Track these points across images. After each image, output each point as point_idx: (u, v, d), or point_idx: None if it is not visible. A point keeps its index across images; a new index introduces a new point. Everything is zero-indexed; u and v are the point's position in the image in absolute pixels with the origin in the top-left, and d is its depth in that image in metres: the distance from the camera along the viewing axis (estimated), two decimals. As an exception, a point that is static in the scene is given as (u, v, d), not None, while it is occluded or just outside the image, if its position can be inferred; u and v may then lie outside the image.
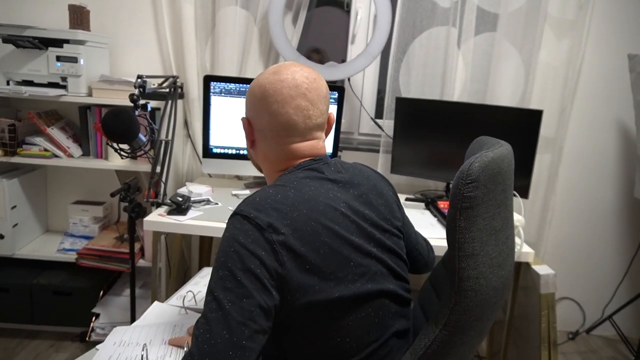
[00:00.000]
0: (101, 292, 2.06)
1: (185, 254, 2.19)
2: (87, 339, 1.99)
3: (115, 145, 1.33)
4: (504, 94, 2.06)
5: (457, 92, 2.08)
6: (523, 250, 1.51)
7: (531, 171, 1.77)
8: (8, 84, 1.86)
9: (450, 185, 2.01)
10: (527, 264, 1.54)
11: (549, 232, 2.26)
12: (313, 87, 0.89)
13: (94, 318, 1.99)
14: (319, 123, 0.91)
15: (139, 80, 1.27)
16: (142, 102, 1.28)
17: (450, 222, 0.70)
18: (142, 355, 0.95)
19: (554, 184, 2.15)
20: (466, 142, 1.84)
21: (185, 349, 0.97)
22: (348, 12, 2.18)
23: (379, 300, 0.83)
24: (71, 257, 2.02)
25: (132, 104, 1.26)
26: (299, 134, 0.89)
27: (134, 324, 1.17)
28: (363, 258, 0.82)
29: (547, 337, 1.54)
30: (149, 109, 1.36)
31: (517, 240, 1.52)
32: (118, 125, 1.22)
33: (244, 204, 0.81)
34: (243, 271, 0.72)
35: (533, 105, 2.06)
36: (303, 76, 0.88)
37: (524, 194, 1.78)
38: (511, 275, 0.80)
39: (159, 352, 1.00)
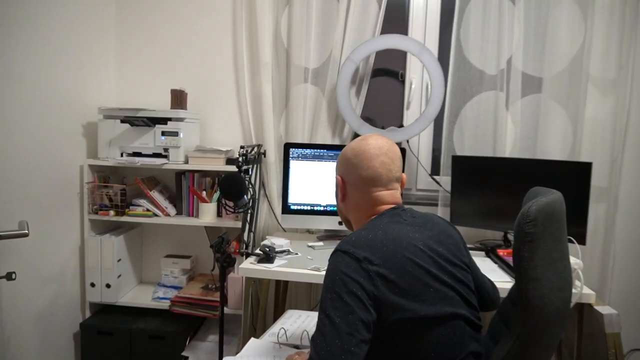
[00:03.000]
0: (188, 338, 2.28)
1: (261, 301, 2.40)
2: (177, 380, 2.19)
3: (227, 203, 1.60)
4: (554, 149, 2.22)
5: (509, 148, 2.26)
6: (584, 292, 1.61)
7: (586, 219, 1.89)
8: (122, 155, 2.24)
9: (508, 234, 2.14)
10: (590, 306, 1.63)
11: (612, 280, 2.30)
12: (391, 150, 1.17)
13: (183, 361, 2.21)
14: (397, 177, 1.17)
15: (242, 149, 1.56)
16: (244, 167, 1.57)
17: (515, 253, 0.88)
18: (258, 374, 1.15)
19: (612, 232, 2.22)
20: (520, 194, 1.97)
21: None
22: (402, 81, 2.47)
23: (456, 322, 1.00)
24: (164, 304, 2.28)
25: (237, 169, 1.55)
26: (383, 184, 1.14)
27: (238, 355, 1.37)
28: (440, 285, 1.01)
29: (617, 379, 1.58)
30: (250, 173, 1.64)
31: (577, 283, 1.62)
32: (233, 185, 1.51)
33: (343, 243, 1.03)
34: (347, 293, 0.94)
35: (583, 158, 2.20)
36: (383, 141, 1.17)
37: (581, 240, 1.88)
38: (570, 298, 0.95)
39: (267, 375, 1.19)
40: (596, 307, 1.61)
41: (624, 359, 1.58)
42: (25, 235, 1.45)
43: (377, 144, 1.15)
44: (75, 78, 2.20)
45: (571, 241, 1.82)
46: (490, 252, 2.01)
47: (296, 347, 1.41)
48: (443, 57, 2.31)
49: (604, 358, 1.64)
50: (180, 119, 2.21)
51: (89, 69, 2.29)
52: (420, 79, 2.42)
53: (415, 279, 0.98)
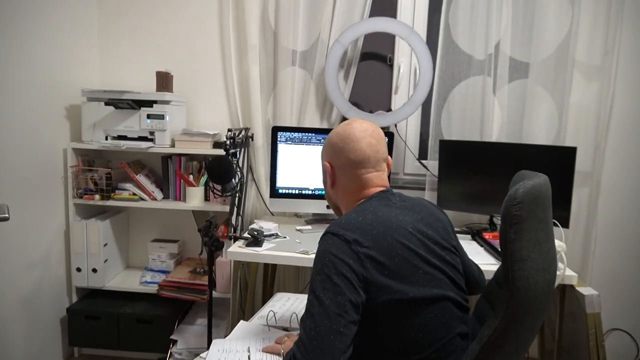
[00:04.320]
0: (177, 321, 2.29)
1: (250, 284, 2.40)
2: (166, 363, 2.20)
3: (215, 186, 1.59)
4: (540, 134, 2.25)
5: (495, 133, 2.28)
6: (566, 274, 1.65)
7: (569, 203, 1.93)
8: (107, 139, 2.20)
9: (494, 218, 2.17)
10: (572, 287, 1.67)
11: (594, 262, 2.36)
12: (376, 132, 1.18)
13: (171, 344, 2.21)
14: (385, 157, 1.18)
15: (229, 132, 1.55)
16: (232, 151, 1.56)
17: (502, 235, 0.90)
18: (248, 356, 1.15)
19: (594, 215, 2.27)
20: (506, 179, 2.02)
21: (282, 351, 1.17)
22: (391, 66, 2.46)
23: (444, 303, 1.02)
24: (152, 289, 2.27)
25: (224, 152, 1.53)
26: (372, 165, 1.15)
27: (228, 337, 1.38)
28: (429, 267, 1.02)
29: (597, 357, 1.64)
30: (238, 156, 1.63)
31: (560, 265, 1.66)
32: (221, 169, 1.50)
33: (333, 226, 1.04)
34: (337, 275, 0.94)
35: (568, 143, 2.23)
36: (367, 124, 1.18)
37: (564, 223, 1.92)
38: (554, 279, 0.97)
39: (257, 356, 1.20)
40: (578, 288, 1.65)
41: (604, 338, 1.63)
42: (6, 219, 1.42)
43: (362, 127, 1.15)
44: (57, 58, 2.14)
45: (555, 224, 1.86)
46: (477, 235, 2.03)
47: (285, 329, 1.42)
48: (431, 42, 2.30)
49: (584, 337, 1.69)
50: (166, 102, 2.17)
51: (70, 49, 2.23)
52: (409, 63, 2.42)
53: (404, 261, 0.99)
